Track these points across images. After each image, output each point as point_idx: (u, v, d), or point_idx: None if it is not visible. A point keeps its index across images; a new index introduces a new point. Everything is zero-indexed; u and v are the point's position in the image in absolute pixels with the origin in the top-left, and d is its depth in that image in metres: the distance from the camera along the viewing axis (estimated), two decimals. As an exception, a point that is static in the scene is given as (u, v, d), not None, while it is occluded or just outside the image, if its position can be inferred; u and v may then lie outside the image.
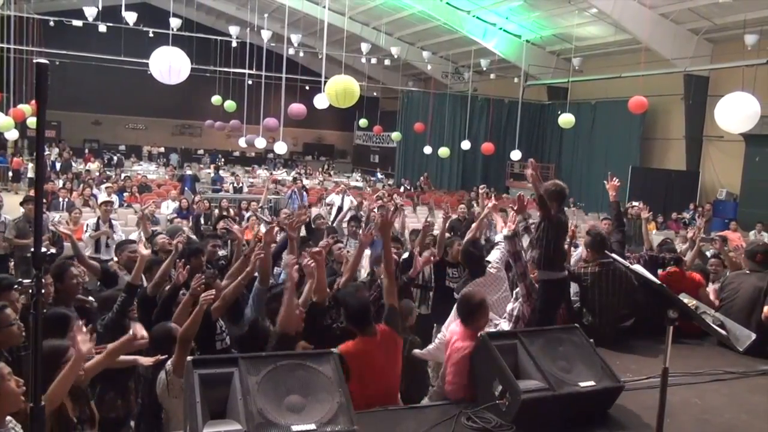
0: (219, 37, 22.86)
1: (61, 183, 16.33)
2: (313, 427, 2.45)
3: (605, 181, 5.85)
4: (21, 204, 9.05)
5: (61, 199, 12.72)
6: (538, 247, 4.27)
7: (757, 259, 4.74)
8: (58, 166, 22.09)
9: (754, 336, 3.77)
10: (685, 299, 4.02)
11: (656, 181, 19.41)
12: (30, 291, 1.66)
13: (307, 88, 22.26)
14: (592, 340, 3.94)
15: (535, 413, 2.96)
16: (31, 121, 18.90)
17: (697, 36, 18.01)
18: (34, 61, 1.57)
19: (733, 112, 10.02)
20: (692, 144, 19.05)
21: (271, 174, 24.85)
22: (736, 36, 16.14)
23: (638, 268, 2.87)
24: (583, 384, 3.09)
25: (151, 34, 19.10)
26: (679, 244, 10.05)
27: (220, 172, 21.42)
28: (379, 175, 27.59)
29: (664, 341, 4.40)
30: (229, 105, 22.63)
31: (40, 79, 1.61)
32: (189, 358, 2.71)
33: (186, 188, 16.87)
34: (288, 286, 3.69)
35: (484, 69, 23.48)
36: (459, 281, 5.48)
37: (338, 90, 9.07)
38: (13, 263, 8.04)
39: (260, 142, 19.60)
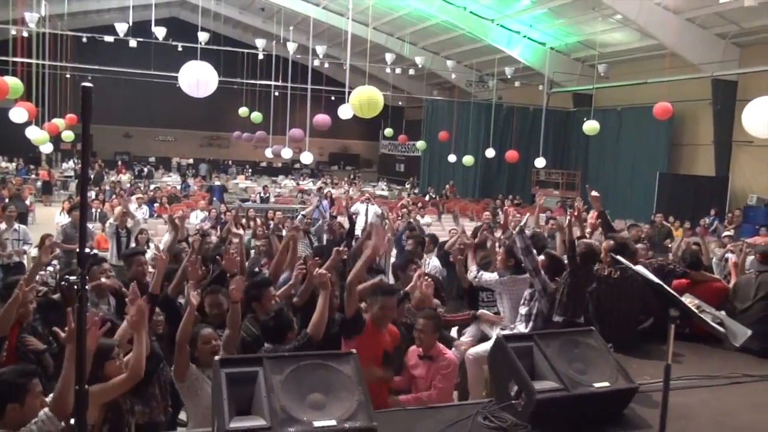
0: (246, 50, 23.29)
1: (93, 194, 16.77)
2: (333, 423, 2.57)
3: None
4: (68, 211, 9.41)
5: (93, 210, 13.07)
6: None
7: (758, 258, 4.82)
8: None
9: (749, 332, 3.83)
10: (687, 299, 4.06)
11: (685, 187, 19.20)
12: (75, 287, 1.81)
13: (333, 98, 22.53)
14: (610, 345, 4.02)
15: (549, 413, 3.04)
16: (66, 135, 19.47)
17: (724, 40, 17.83)
18: (81, 84, 1.72)
19: (761, 116, 9.93)
20: (721, 149, 18.81)
21: (298, 184, 25.15)
22: (765, 39, 15.98)
23: (640, 268, 2.93)
24: (597, 385, 3.15)
25: (180, 48, 19.53)
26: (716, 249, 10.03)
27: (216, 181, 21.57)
28: (407, 185, 27.72)
29: (681, 345, 4.49)
30: (256, 116, 23.01)
31: (85, 100, 1.77)
32: (216, 357, 2.86)
33: (215, 198, 17.18)
34: (323, 294, 3.86)
35: (509, 77, 23.52)
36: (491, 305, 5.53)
37: (362, 100, 9.24)
38: (59, 267, 8.38)
39: (286, 153, 19.90)
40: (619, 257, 3.52)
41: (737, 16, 16.10)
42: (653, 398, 3.55)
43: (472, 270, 5.29)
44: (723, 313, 4.44)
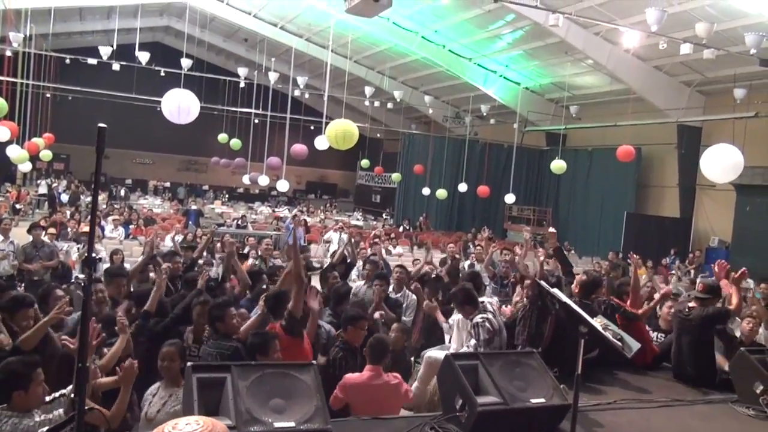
0: (228, 77, 23.67)
1: (69, 214, 16.84)
2: (292, 424, 2.85)
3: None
4: (28, 231, 9.25)
5: (69, 230, 13.20)
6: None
7: (700, 288, 5.26)
8: (65, 198, 22.63)
9: (638, 345, 4.27)
10: (597, 320, 4.46)
11: (651, 227, 19.84)
12: (82, 285, 2.14)
13: (312, 128, 22.95)
14: (555, 369, 4.37)
15: (490, 425, 3.35)
16: (44, 154, 19.54)
17: (689, 88, 18.65)
18: (98, 125, 2.02)
19: (718, 163, 10.50)
20: (685, 192, 19.52)
21: (274, 211, 25.39)
22: (727, 89, 16.75)
23: (556, 291, 3.28)
24: (534, 401, 3.48)
25: (162, 74, 19.84)
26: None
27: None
28: (385, 216, 28.10)
29: (624, 372, 4.87)
30: (235, 143, 23.30)
31: (100, 139, 2.07)
32: (189, 363, 3.15)
33: (190, 222, 17.36)
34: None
35: (484, 114, 24.19)
36: None
37: (338, 132, 9.59)
38: (23, 286, 8.40)
39: (263, 180, 20.17)
40: (543, 283, 3.86)
41: (700, 66, 16.90)
42: (589, 416, 3.91)
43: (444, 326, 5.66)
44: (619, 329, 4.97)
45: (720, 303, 5.32)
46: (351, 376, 4.33)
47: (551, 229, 6.38)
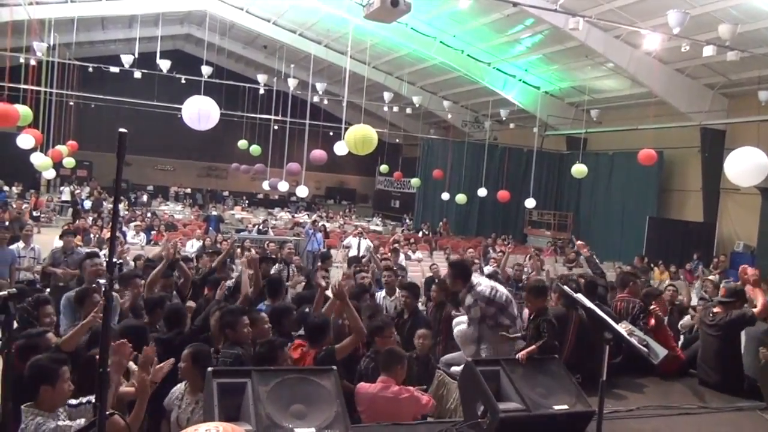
0: (247, 84, 23.84)
1: (91, 220, 17.05)
2: (313, 430, 2.84)
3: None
4: (60, 237, 9.43)
5: (92, 236, 13.36)
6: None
7: (722, 294, 5.17)
8: (87, 204, 22.92)
9: (666, 352, 4.18)
10: (622, 325, 4.40)
11: (673, 231, 19.57)
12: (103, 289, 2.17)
13: (331, 133, 23.01)
14: (578, 375, 4.32)
15: (512, 431, 3.31)
16: (67, 161, 19.83)
17: (712, 90, 18.39)
18: (119, 130, 2.04)
19: (743, 166, 10.34)
20: (709, 196, 19.22)
21: (293, 216, 25.49)
22: (751, 92, 16.51)
23: (580, 296, 3.23)
24: (557, 407, 3.44)
25: (183, 81, 20.04)
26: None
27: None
28: (408, 221, 28.05)
29: (647, 379, 4.81)
30: (255, 149, 23.44)
31: (120, 144, 2.09)
32: (209, 369, 3.15)
33: (210, 228, 17.47)
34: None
35: (504, 119, 24.08)
36: None
37: (357, 138, 9.59)
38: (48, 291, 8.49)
39: (283, 186, 20.26)
40: (567, 289, 3.81)
41: (724, 68, 16.66)
42: (614, 424, 3.84)
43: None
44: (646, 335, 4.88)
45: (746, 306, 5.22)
46: (363, 386, 4.30)
47: (579, 242, 6.35)
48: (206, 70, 18.74)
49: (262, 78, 21.93)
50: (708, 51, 12.30)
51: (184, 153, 32.73)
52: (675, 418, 4.15)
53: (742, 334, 5.09)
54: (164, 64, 19.15)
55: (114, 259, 2.21)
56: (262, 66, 27.18)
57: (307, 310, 6.03)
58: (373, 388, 4.24)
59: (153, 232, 15.74)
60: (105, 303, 2.14)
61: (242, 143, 24.19)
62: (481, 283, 4.88)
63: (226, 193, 33.51)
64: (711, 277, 11.19)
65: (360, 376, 4.63)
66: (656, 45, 13.80)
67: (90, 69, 20.93)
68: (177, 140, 29.48)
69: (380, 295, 7.23)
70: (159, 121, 26.55)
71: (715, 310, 5.11)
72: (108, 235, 14.11)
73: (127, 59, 18.80)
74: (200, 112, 8.59)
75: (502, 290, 4.92)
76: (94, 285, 5.34)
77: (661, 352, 4.44)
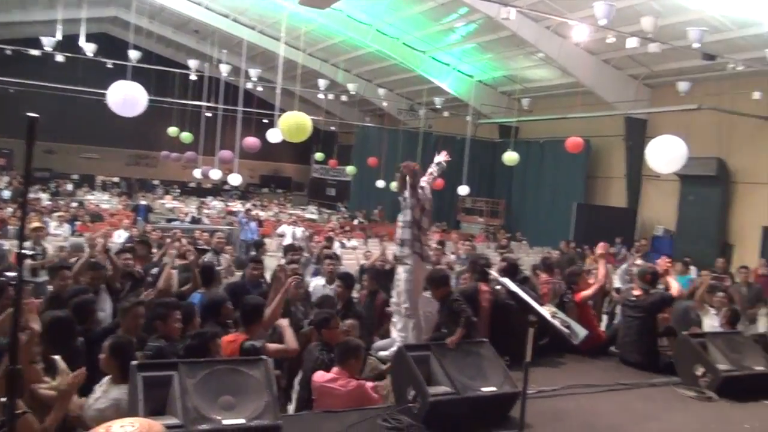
0: (178, 70, 23.18)
1: (11, 211, 16.26)
2: (242, 421, 2.82)
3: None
4: None
5: (10, 228, 12.75)
6: None
7: (646, 279, 5.41)
8: (6, 194, 21.85)
9: (586, 332, 4.41)
10: (546, 308, 4.58)
11: (599, 217, 20.25)
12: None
13: (265, 121, 22.68)
14: (507, 357, 4.45)
15: (442, 414, 3.38)
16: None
17: (636, 81, 19.11)
18: (28, 114, 1.93)
19: (662, 154, 10.83)
20: (632, 183, 20.01)
21: (227, 205, 25.06)
22: (671, 83, 17.22)
23: (505, 281, 3.34)
24: (485, 389, 3.53)
25: (110, 65, 19.30)
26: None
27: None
28: (343, 209, 27.97)
29: (571, 357, 4.99)
30: (186, 136, 22.84)
31: (30, 129, 1.98)
32: (133, 362, 3.06)
33: (139, 218, 16.98)
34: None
35: (438, 107, 24.30)
36: None
37: (291, 125, 9.50)
38: None
39: (215, 174, 19.85)
40: (494, 273, 3.92)
41: (647, 59, 17.32)
42: (539, 403, 3.98)
43: None
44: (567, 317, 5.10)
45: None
46: (317, 374, 4.28)
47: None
48: (134, 54, 18.08)
49: (193, 63, 21.34)
50: (632, 42, 12.76)
51: (112, 140, 31.52)
52: (597, 395, 4.35)
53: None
54: (89, 48, 18.38)
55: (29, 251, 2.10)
56: (194, 51, 26.47)
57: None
58: (324, 378, 4.22)
59: (77, 223, 15.16)
60: (17, 295, 2.04)
61: (172, 130, 23.52)
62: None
63: (156, 182, 32.56)
64: (638, 261, 11.70)
65: (315, 366, 4.56)
66: (584, 36, 14.16)
67: (8, 52, 19.89)
68: (103, 127, 28.29)
69: (318, 283, 7.16)
70: (84, 108, 25.47)
71: (636, 292, 5.35)
72: (33, 225, 13.51)
73: (48, 42, 17.94)
74: (127, 98, 8.32)
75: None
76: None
77: (582, 332, 4.66)
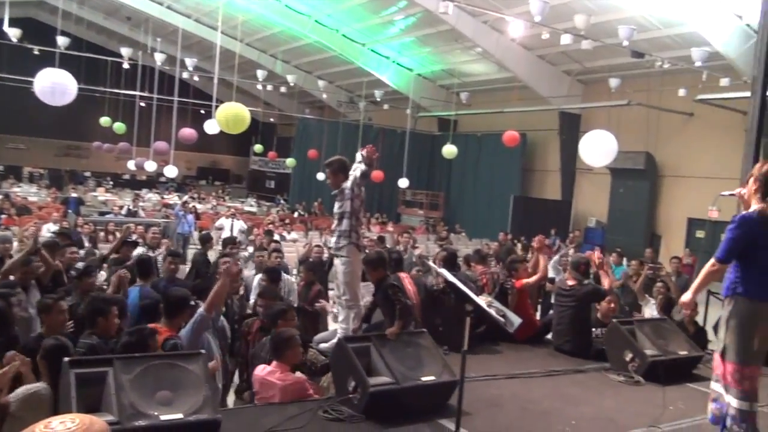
0: (110, 58, 22.40)
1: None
2: (180, 416, 2.78)
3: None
4: None
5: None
6: None
7: (580, 269, 5.61)
8: None
9: (520, 320, 4.59)
10: (482, 298, 4.73)
11: (535, 209, 20.80)
12: None
13: (202, 111, 22.20)
14: (445, 347, 4.54)
15: (382, 404, 3.42)
16: None
17: (570, 77, 19.67)
18: None
19: (594, 148, 11.20)
20: (566, 176, 20.62)
21: (162, 198, 24.46)
22: (603, 79, 17.79)
23: (443, 271, 3.42)
24: (424, 378, 3.59)
25: (36, 52, 18.47)
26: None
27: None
28: (282, 201, 27.68)
29: (507, 346, 5.13)
30: (119, 127, 22.11)
31: None
32: (66, 359, 2.97)
33: (70, 211, 16.38)
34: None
35: (378, 99, 24.35)
36: None
37: (228, 116, 9.33)
38: None
39: (150, 166, 19.30)
40: (431, 264, 4.00)
41: (580, 56, 17.84)
42: (477, 390, 4.08)
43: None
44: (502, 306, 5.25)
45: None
46: (257, 368, 4.17)
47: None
48: (62, 40, 17.38)
49: (126, 51, 20.64)
50: (565, 39, 13.12)
51: (40, 130, 30.23)
52: (531, 381, 4.51)
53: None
54: (14, 33, 17.53)
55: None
56: (127, 39, 25.63)
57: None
58: (264, 371, 4.12)
59: (3, 216, 14.50)
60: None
61: (105, 120, 22.72)
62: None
63: (87, 174, 31.41)
64: (571, 251, 12.13)
65: (257, 359, 4.47)
66: (520, 32, 14.48)
67: (-76, 35, 18.77)
68: (30, 116, 27.14)
69: (260, 276, 7.06)
70: (9, 96, 24.31)
71: (570, 282, 5.54)
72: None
73: (-32, 26, 17.03)
74: (55, 86, 8.01)
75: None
76: None
77: (516, 320, 4.81)
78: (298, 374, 4.09)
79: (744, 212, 3.55)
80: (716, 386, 3.59)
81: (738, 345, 3.44)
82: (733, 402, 3.43)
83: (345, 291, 4.80)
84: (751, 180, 3.54)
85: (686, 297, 3.73)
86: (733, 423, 3.43)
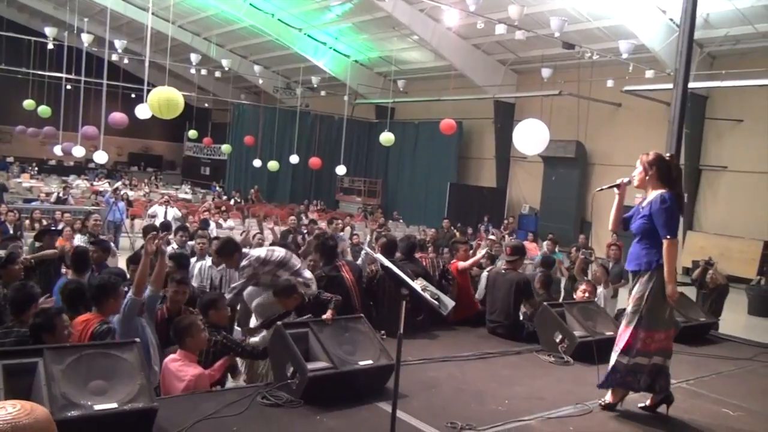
0: (33, 38, 21.38)
1: None
2: (115, 405, 2.74)
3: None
4: None
5: None
6: None
7: (508, 252, 5.83)
8: None
9: (453, 303, 4.76)
10: (418, 282, 4.86)
11: (471, 196, 21.20)
12: None
13: (133, 95, 21.51)
14: (383, 332, 4.61)
15: (321, 389, 3.46)
16: None
17: (504, 66, 20.04)
18: None
19: (528, 137, 11.47)
20: (501, 163, 21.07)
21: (92, 185, 23.65)
22: (536, 69, 18.22)
23: (378, 256, 3.49)
24: (362, 363, 3.65)
25: (-49, 30, 17.49)
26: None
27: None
28: (217, 188, 27.17)
29: (443, 331, 5.24)
30: (43, 110, 21.15)
31: None
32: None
33: (-8, 198, 15.63)
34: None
35: (315, 86, 24.18)
36: None
37: (161, 100, 9.07)
38: None
39: (78, 151, 18.55)
40: (368, 250, 4.07)
41: (514, 46, 18.22)
42: (414, 373, 4.17)
43: None
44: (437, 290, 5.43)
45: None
46: (167, 357, 4.06)
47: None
48: (-20, 18, 16.48)
49: (50, 31, 19.74)
50: (499, 29, 13.37)
51: (-44, 113, 28.65)
52: (467, 364, 4.64)
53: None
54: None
55: None
56: (51, 18, 24.48)
57: None
58: (168, 359, 4.00)
59: None
60: None
61: (28, 103, 21.70)
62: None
63: (10, 159, 29.95)
64: (492, 237, 12.54)
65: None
66: (455, 21, 14.64)
67: None
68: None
69: (205, 264, 6.90)
70: None
71: (505, 267, 5.71)
72: None
73: None
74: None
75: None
76: None
77: (450, 303, 4.94)
78: (195, 368, 3.94)
79: (663, 192, 3.80)
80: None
81: (657, 312, 3.81)
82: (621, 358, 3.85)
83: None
84: (640, 169, 4.03)
85: (670, 290, 3.81)
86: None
